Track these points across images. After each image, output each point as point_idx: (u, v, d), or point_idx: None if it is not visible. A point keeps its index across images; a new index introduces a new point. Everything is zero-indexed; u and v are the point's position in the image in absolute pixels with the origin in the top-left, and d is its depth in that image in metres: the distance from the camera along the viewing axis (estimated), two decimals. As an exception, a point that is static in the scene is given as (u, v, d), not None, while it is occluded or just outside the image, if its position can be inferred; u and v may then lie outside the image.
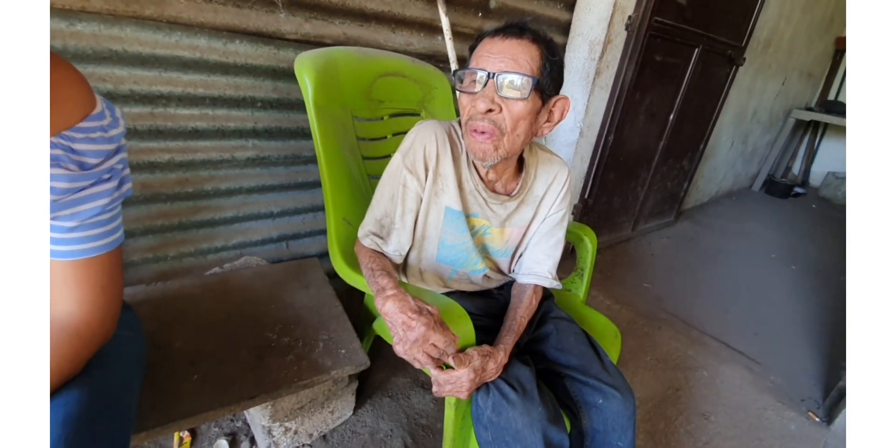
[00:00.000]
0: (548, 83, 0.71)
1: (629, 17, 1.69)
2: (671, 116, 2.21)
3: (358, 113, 1.12)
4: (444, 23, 1.31)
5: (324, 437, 1.07)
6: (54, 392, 0.49)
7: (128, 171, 0.57)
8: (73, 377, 0.51)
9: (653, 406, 1.32)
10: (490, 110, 0.69)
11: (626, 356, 1.51)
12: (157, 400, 0.72)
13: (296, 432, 1.00)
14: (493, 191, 0.86)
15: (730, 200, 3.70)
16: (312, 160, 1.31)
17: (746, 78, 2.81)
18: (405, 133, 1.20)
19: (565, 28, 1.74)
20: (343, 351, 0.90)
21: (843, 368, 1.53)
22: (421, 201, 0.83)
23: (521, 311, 0.86)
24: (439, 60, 1.42)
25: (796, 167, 4.52)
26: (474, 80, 0.71)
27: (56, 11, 0.84)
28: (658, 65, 1.92)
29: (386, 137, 1.20)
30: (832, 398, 1.42)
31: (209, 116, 1.10)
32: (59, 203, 0.48)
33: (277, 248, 1.36)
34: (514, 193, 0.87)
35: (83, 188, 0.50)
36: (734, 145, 3.34)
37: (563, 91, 0.73)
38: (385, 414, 1.16)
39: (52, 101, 0.46)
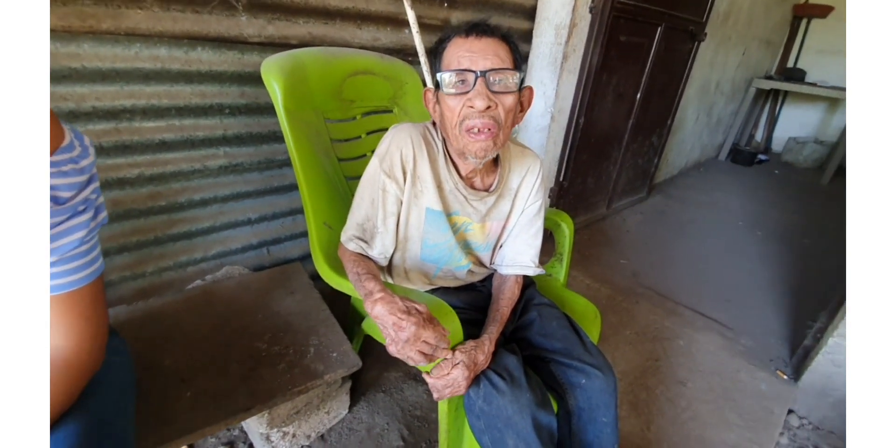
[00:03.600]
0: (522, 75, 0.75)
1: (592, 0, 1.70)
2: (638, 95, 2.25)
3: (330, 114, 1.11)
4: (411, 16, 1.29)
5: (321, 436, 1.11)
6: (53, 426, 0.50)
7: (101, 199, 0.57)
8: (69, 409, 0.52)
9: (634, 378, 1.41)
10: (488, 107, 0.71)
11: (607, 332, 1.59)
12: (153, 421, 0.74)
13: (294, 435, 1.04)
14: (472, 187, 0.89)
15: (698, 171, 3.82)
16: (287, 164, 1.30)
17: (708, 51, 2.87)
18: (379, 131, 1.23)
19: (531, 13, 1.74)
20: (334, 354, 0.92)
21: (808, 327, 1.65)
22: (401, 204, 0.85)
23: (504, 302, 0.90)
24: (408, 54, 1.41)
25: (759, 134, 4.68)
26: (462, 81, 0.72)
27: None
28: (623, 45, 1.94)
29: (360, 137, 1.20)
30: (798, 356, 1.53)
31: (176, 127, 1.08)
32: None
33: (258, 255, 1.36)
34: (492, 188, 0.90)
35: (60, 223, 0.50)
36: (699, 118, 3.43)
37: (533, 76, 0.77)
38: (380, 409, 1.20)
39: None
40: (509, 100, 0.74)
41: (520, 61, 0.77)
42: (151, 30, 0.94)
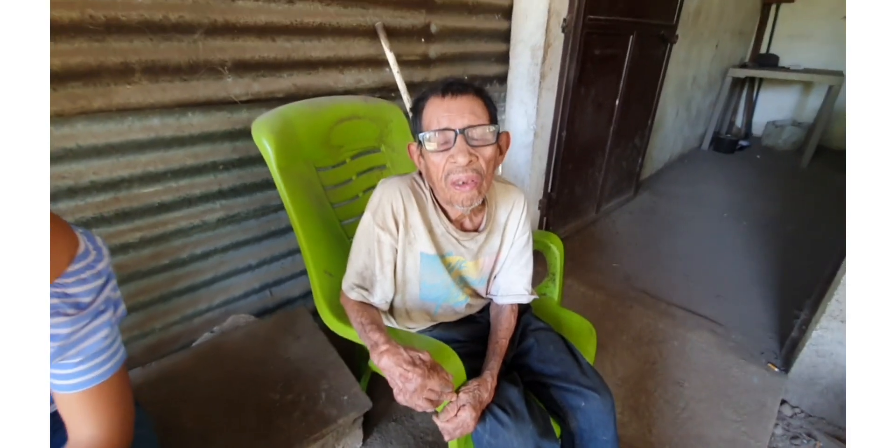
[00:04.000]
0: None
1: (564, 20, 1.74)
2: (617, 102, 2.30)
3: (320, 163, 1.15)
4: (390, 57, 1.34)
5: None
6: None
7: (118, 292, 0.61)
8: None
9: (634, 382, 1.47)
10: (470, 161, 0.77)
11: (604, 339, 1.66)
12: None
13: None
14: (462, 229, 0.94)
15: (682, 164, 3.90)
16: (281, 208, 1.33)
17: (682, 50, 2.93)
18: (369, 171, 1.27)
19: (506, 36, 1.79)
20: (345, 397, 0.97)
21: (795, 317, 1.72)
22: (396, 252, 0.90)
23: (502, 333, 0.96)
24: (390, 90, 1.45)
25: (739, 121, 4.76)
26: (443, 139, 0.78)
27: (1, 123, 0.83)
28: (598, 58, 1.99)
29: (351, 179, 1.24)
30: (787, 348, 1.61)
31: (173, 189, 1.11)
32: (64, 346, 0.52)
33: (262, 298, 1.40)
34: (481, 227, 0.95)
35: (84, 326, 0.54)
36: (679, 113, 3.50)
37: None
38: (392, 438, 1.25)
39: None
40: (489, 151, 0.81)
41: (495, 114, 0.84)
42: (142, 103, 0.97)
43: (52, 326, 0.50)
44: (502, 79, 1.86)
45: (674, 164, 3.86)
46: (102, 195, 1.01)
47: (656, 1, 2.22)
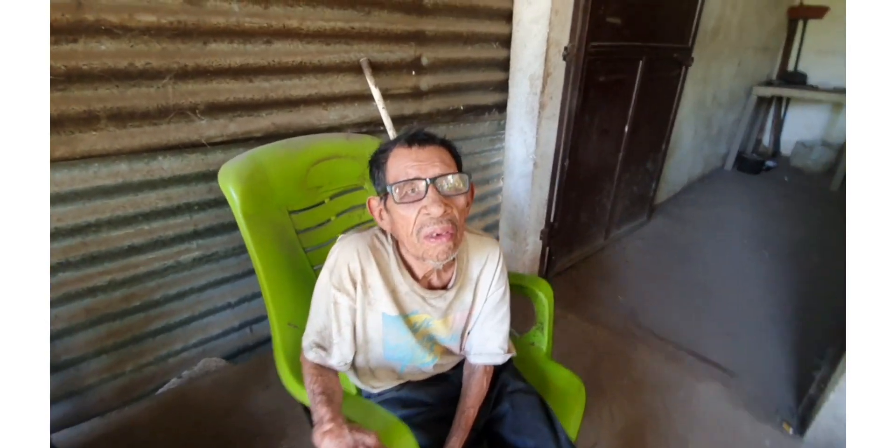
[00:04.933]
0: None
1: (565, 48, 1.68)
2: (625, 128, 2.21)
3: (295, 206, 1.11)
4: (375, 93, 1.30)
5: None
6: None
7: None
8: None
9: (632, 436, 1.36)
10: (445, 212, 0.72)
11: (603, 381, 1.55)
12: None
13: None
14: (430, 286, 0.87)
15: (702, 185, 3.74)
16: (263, 246, 1.30)
17: (699, 69, 2.81)
18: (350, 211, 1.22)
19: (505, 64, 1.73)
20: (307, 462, 0.91)
21: (815, 368, 1.58)
22: (356, 312, 0.84)
23: (470, 402, 0.88)
24: (378, 124, 1.41)
25: (766, 139, 4.56)
26: (413, 190, 0.73)
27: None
28: (602, 85, 1.91)
29: (330, 220, 1.19)
30: (804, 406, 1.47)
31: (145, 231, 1.09)
32: None
33: (242, 336, 1.37)
34: (450, 285, 0.88)
35: None
36: (697, 132, 3.36)
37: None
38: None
39: None
40: (461, 200, 0.76)
41: (461, 163, 0.81)
42: (109, 149, 0.96)
43: None
44: (501, 107, 1.80)
45: (693, 185, 3.70)
46: (68, 240, 0.99)
47: (668, 25, 2.13)
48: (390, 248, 0.84)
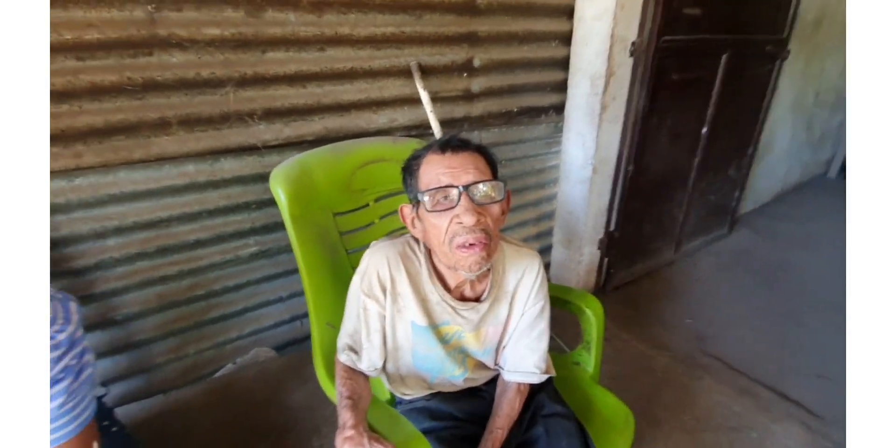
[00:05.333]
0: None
1: (633, 44, 1.56)
2: (703, 131, 2.01)
3: (339, 208, 1.14)
4: (424, 96, 1.30)
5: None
6: None
7: (89, 357, 0.63)
8: None
9: (689, 480, 1.22)
10: (478, 221, 0.70)
11: (659, 413, 1.40)
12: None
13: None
14: (462, 297, 0.85)
15: (798, 195, 3.29)
16: (313, 245, 1.36)
17: (798, 64, 2.49)
18: (394, 214, 1.23)
19: (564, 64, 1.65)
20: (333, 461, 0.92)
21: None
22: (385, 319, 0.84)
23: (499, 422, 0.84)
24: (427, 127, 1.41)
25: (884, 143, 3.91)
26: (446, 197, 0.71)
27: (56, 174, 0.95)
28: (675, 84, 1.75)
29: (373, 223, 1.21)
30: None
31: (208, 227, 1.19)
32: None
33: (291, 328, 1.44)
34: (483, 297, 0.85)
35: None
36: (796, 135, 2.97)
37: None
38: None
39: None
40: (496, 209, 0.74)
41: (497, 170, 0.77)
42: (178, 152, 1.05)
43: None
44: (559, 108, 1.72)
45: (787, 195, 3.27)
46: (145, 233, 1.11)
47: (758, 14, 1.90)
48: (422, 257, 0.83)
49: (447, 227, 0.71)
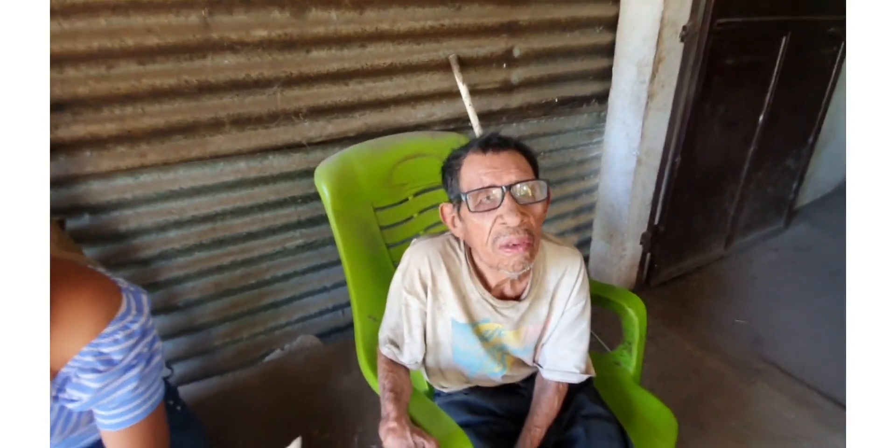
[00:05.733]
0: None
1: (684, 28, 1.48)
2: (760, 118, 1.88)
3: (379, 203, 1.17)
4: (463, 89, 1.29)
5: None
6: None
7: (158, 345, 0.69)
8: None
9: (736, 486, 1.17)
10: (522, 222, 0.70)
11: (706, 419, 1.35)
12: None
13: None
14: (502, 296, 0.85)
15: (870, 186, 3.02)
16: (355, 237, 1.41)
17: (874, 42, 2.26)
18: (433, 208, 1.25)
19: (609, 50, 1.59)
20: (374, 446, 0.96)
21: None
22: (426, 315, 0.85)
23: (538, 421, 0.84)
24: (465, 120, 1.40)
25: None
26: (489, 198, 0.71)
27: (122, 172, 1.03)
28: (730, 69, 1.64)
29: (412, 217, 1.23)
30: None
31: (259, 220, 1.25)
32: (97, 397, 0.61)
33: (335, 317, 1.50)
34: (523, 296, 0.85)
35: (114, 380, 0.62)
36: (868, 121, 2.71)
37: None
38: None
39: (84, 314, 0.58)
40: (539, 209, 0.73)
41: (538, 168, 0.77)
42: (231, 150, 1.11)
43: (86, 381, 0.59)
44: (602, 97, 1.66)
45: (855, 186, 3.00)
46: (202, 226, 1.18)
47: (825, -10, 1.75)
48: (462, 255, 0.83)
49: (490, 228, 0.71)
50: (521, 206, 0.70)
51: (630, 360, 1.11)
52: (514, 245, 0.70)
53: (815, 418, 1.34)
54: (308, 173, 1.25)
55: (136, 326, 0.63)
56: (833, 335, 1.67)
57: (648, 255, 1.90)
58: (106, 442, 0.66)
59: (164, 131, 1.02)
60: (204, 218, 1.17)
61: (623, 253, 1.84)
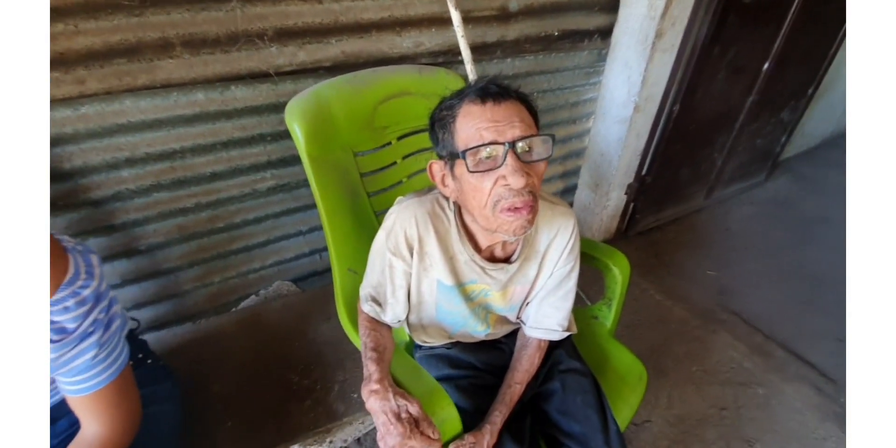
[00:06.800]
0: None
1: (706, -46, 1.30)
2: (765, 65, 1.77)
3: (360, 147, 1.06)
4: (455, 16, 1.12)
5: (357, 440, 1.22)
6: None
7: (116, 308, 0.63)
8: None
9: (689, 426, 1.27)
10: (526, 183, 0.63)
11: (669, 364, 1.44)
12: (199, 446, 0.87)
13: (330, 442, 1.15)
14: (492, 257, 0.81)
15: (852, 141, 3.02)
16: (332, 181, 1.31)
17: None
18: (418, 153, 1.16)
19: (618, -22, 1.41)
20: (355, 395, 0.98)
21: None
22: (410, 276, 0.81)
23: (518, 377, 0.85)
24: (455, 54, 1.26)
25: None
26: (489, 156, 0.63)
27: (58, 102, 0.88)
28: (748, 8, 1.50)
29: (395, 163, 1.14)
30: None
31: (224, 159, 1.14)
32: (54, 367, 0.56)
33: (312, 261, 1.45)
34: (513, 258, 0.81)
35: (71, 348, 0.57)
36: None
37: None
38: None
39: None
40: (541, 167, 0.66)
41: (538, 120, 0.68)
42: (185, 77, 0.96)
43: None
44: (605, 33, 1.51)
45: (838, 139, 3.00)
46: (159, 164, 1.07)
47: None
48: (452, 216, 0.77)
49: (491, 189, 0.64)
50: (525, 164, 0.63)
51: (608, 316, 1.12)
52: (517, 208, 0.64)
53: (769, 367, 1.44)
54: (278, 108, 1.11)
55: (87, 292, 0.57)
56: (795, 289, 1.76)
57: (632, 205, 1.88)
58: (72, 406, 0.63)
59: (103, 54, 0.86)
60: (160, 155, 1.05)
61: (607, 203, 1.82)
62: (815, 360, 1.47)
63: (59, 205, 1.00)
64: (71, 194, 1.01)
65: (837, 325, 1.60)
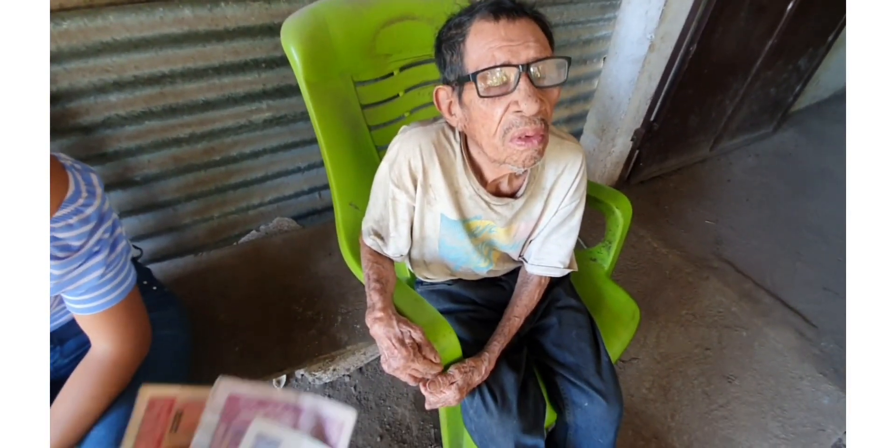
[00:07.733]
0: None
1: None
2: (789, 6, 1.66)
3: (360, 76, 1.00)
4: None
5: (360, 370, 1.28)
6: (107, 411, 0.64)
7: (120, 230, 0.62)
8: (122, 393, 0.66)
9: (674, 363, 1.35)
10: (539, 110, 0.60)
11: (659, 307, 1.49)
12: (208, 370, 0.91)
13: (334, 370, 1.21)
14: (497, 192, 0.80)
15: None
16: (331, 116, 1.26)
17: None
18: (421, 86, 1.10)
19: None
20: (358, 326, 1.01)
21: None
22: (414, 210, 0.80)
23: (517, 311, 0.87)
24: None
25: None
26: (502, 80, 0.59)
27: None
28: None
29: (398, 96, 1.09)
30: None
31: (217, 86, 1.08)
32: (60, 284, 0.56)
33: (311, 199, 1.43)
34: (519, 193, 0.80)
35: (78, 266, 0.56)
36: None
37: None
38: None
39: None
40: (555, 93, 0.63)
41: (553, 41, 0.63)
42: (169, -11, 0.88)
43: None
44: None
45: (853, 94, 2.90)
46: (149, 89, 1.01)
47: None
48: (458, 147, 0.74)
49: (501, 117, 0.60)
50: (539, 90, 0.59)
51: (607, 258, 1.14)
52: (528, 137, 0.61)
53: (755, 312, 1.50)
54: (272, 31, 1.04)
55: (90, 210, 0.55)
56: (789, 240, 1.80)
57: (637, 152, 1.85)
58: (81, 325, 0.64)
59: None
60: (149, 79, 0.99)
61: (612, 149, 1.79)
62: (801, 307, 1.53)
63: (46, 129, 0.96)
64: (59, 118, 0.96)
65: (826, 274, 1.65)
